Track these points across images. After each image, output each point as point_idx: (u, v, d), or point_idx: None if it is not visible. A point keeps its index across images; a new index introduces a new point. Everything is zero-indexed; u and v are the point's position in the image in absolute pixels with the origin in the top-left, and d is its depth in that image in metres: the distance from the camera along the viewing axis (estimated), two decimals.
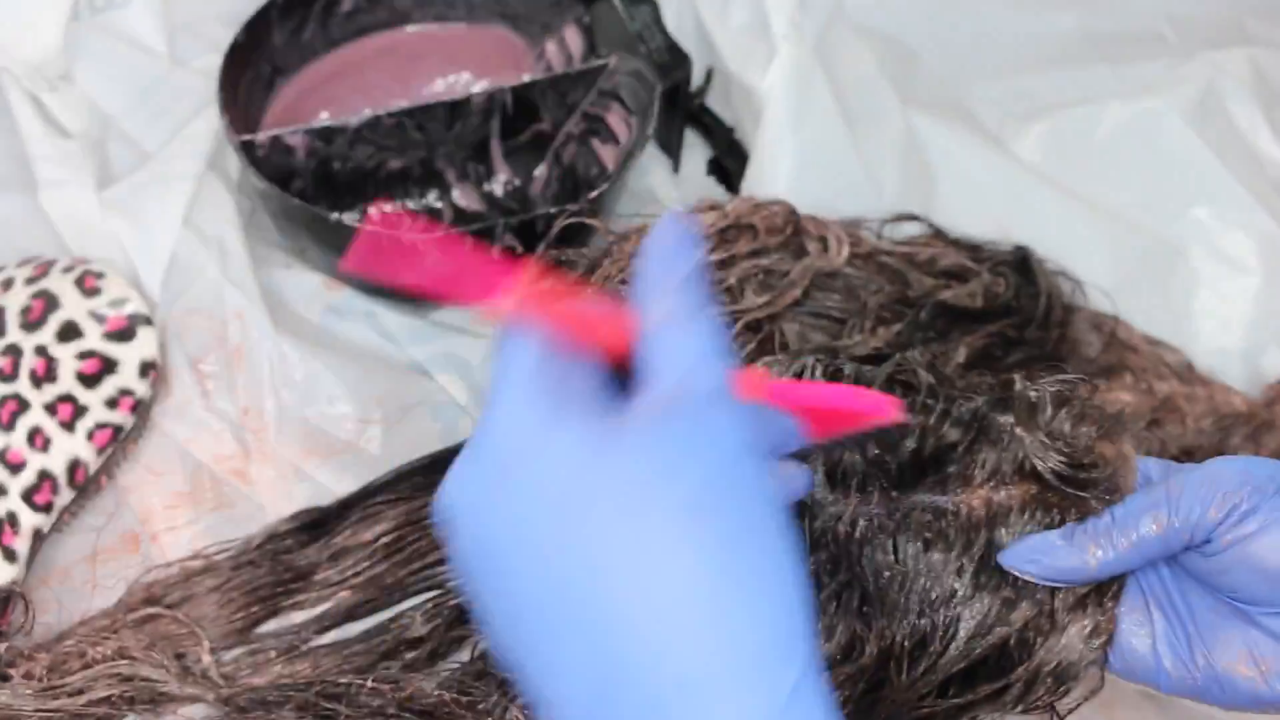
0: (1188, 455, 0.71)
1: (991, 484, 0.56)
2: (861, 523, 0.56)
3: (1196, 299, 0.82)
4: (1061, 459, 0.55)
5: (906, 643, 0.55)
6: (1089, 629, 0.55)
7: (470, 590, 0.44)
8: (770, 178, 0.84)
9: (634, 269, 0.46)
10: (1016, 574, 0.55)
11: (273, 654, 0.68)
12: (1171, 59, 0.92)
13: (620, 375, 0.45)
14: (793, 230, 0.72)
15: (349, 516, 0.72)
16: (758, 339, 0.68)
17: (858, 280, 0.72)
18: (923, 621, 0.55)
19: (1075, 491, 0.55)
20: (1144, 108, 0.87)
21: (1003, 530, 0.55)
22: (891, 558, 0.55)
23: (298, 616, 0.70)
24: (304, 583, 0.71)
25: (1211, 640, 0.54)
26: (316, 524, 0.72)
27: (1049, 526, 0.55)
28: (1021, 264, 0.75)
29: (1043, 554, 0.54)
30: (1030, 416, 0.56)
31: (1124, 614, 0.55)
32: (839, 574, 0.56)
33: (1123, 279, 0.76)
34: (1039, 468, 0.55)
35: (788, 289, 0.70)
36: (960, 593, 0.55)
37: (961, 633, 0.55)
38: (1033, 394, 0.56)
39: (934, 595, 0.55)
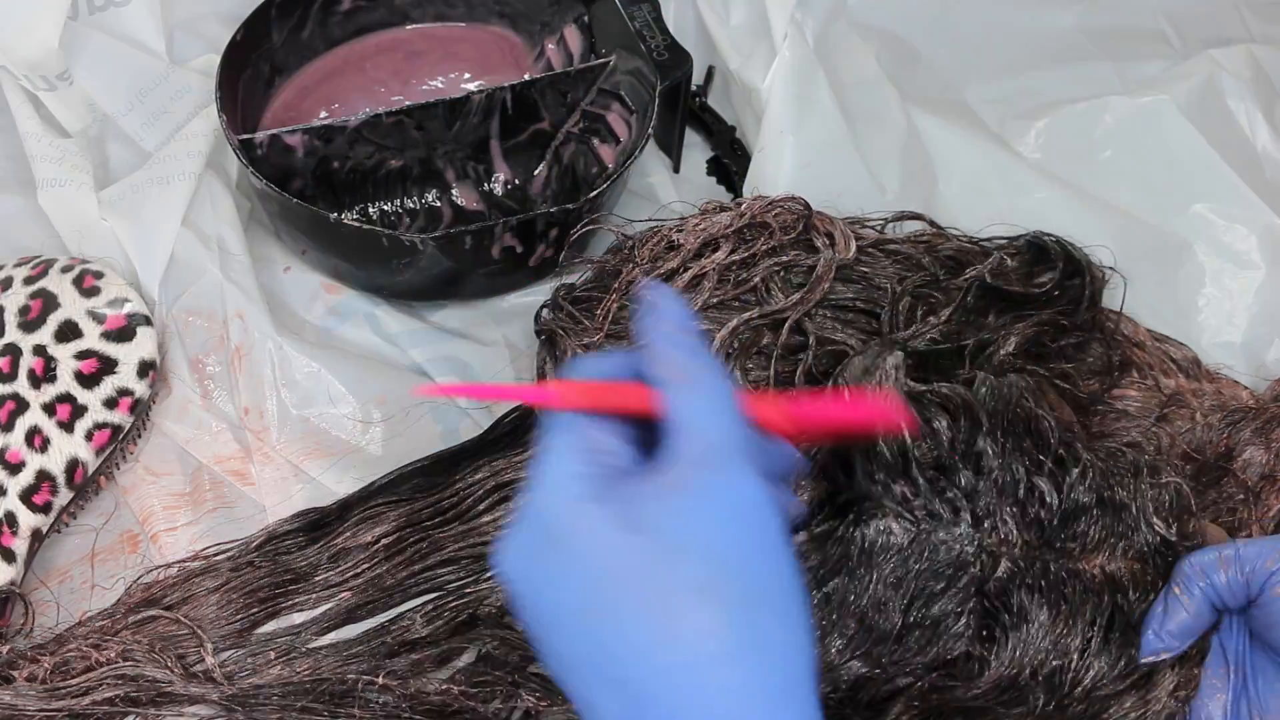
0: (1197, 451, 0.71)
1: (1107, 553, 0.63)
2: (1005, 564, 0.62)
3: (1200, 294, 0.82)
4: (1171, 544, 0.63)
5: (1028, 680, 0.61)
6: (1175, 685, 0.61)
7: (532, 641, 0.48)
8: (772, 176, 0.84)
9: (640, 335, 0.51)
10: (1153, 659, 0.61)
11: (273, 655, 0.68)
12: (1172, 57, 0.92)
13: (649, 432, 0.50)
14: (803, 226, 0.72)
15: (349, 518, 0.72)
16: (780, 337, 0.68)
17: (870, 272, 0.72)
18: (1047, 668, 0.61)
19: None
20: (1145, 103, 0.86)
21: (1120, 598, 0.62)
22: (1027, 603, 0.61)
23: (298, 617, 0.70)
24: (304, 584, 0.70)
25: (1266, 701, 0.60)
26: (316, 525, 0.72)
27: (1151, 598, 0.62)
28: (1038, 249, 0.75)
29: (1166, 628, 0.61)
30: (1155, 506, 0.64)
31: (1205, 672, 0.62)
32: (970, 602, 0.62)
33: (1126, 274, 0.76)
34: (1148, 550, 0.63)
35: (816, 284, 0.70)
36: (1085, 650, 0.61)
37: (1081, 686, 0.61)
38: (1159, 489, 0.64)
39: (1056, 648, 0.61)
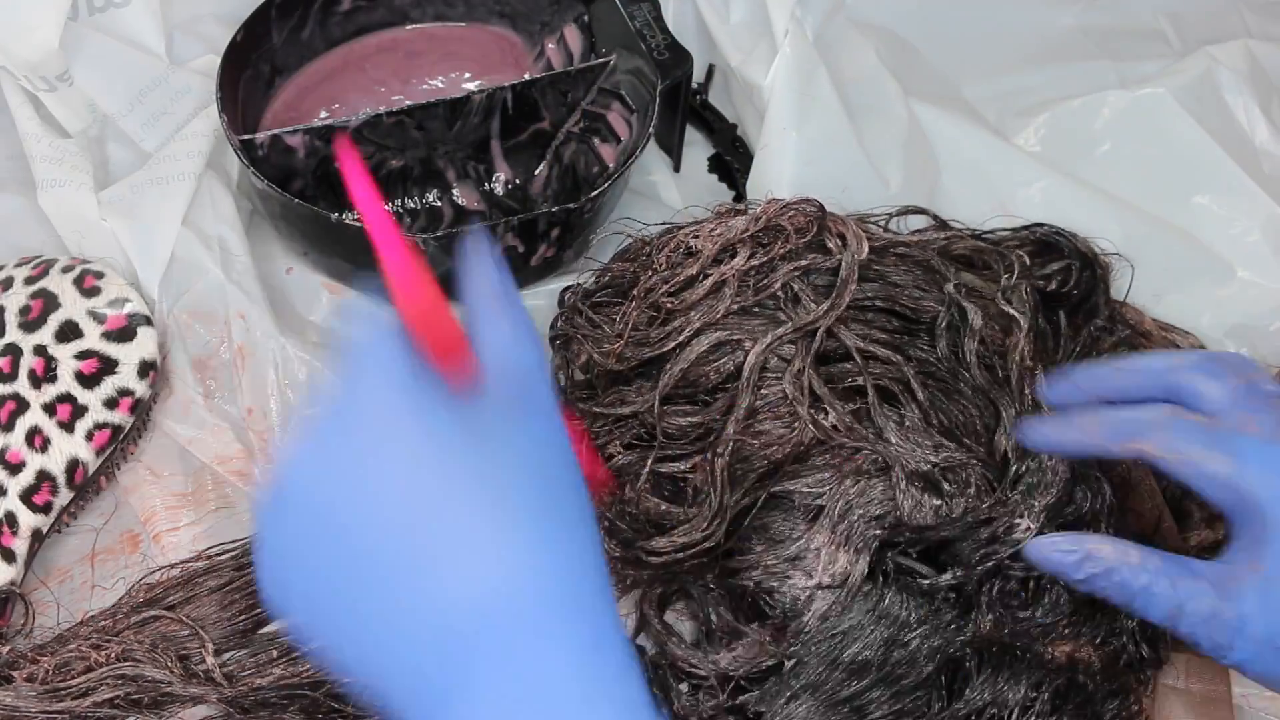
0: None
1: (1081, 642, 0.64)
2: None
3: (1201, 284, 0.82)
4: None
5: None
6: None
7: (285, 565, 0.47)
8: (775, 173, 0.83)
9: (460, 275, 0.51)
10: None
11: (275, 655, 0.68)
12: (1170, 55, 0.92)
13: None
14: (816, 228, 0.71)
15: None
16: (816, 348, 0.68)
17: (883, 269, 0.71)
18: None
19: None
20: (1142, 96, 0.87)
21: (1083, 676, 0.63)
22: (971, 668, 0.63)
23: None
24: None
25: None
26: None
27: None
28: (1045, 243, 0.75)
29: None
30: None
31: None
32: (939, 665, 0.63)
33: (1129, 264, 0.76)
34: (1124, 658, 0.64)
35: (844, 288, 0.69)
36: (1029, 709, 0.63)
37: None
38: None
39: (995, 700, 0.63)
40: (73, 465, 0.71)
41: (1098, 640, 0.63)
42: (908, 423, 0.65)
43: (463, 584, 0.44)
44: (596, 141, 0.86)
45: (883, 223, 0.76)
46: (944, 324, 0.68)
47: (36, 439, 0.71)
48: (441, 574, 0.44)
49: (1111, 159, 0.87)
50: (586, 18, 0.88)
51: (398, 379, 0.47)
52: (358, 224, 0.77)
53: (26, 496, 0.70)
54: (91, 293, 0.76)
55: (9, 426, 0.71)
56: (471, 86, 0.92)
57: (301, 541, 0.46)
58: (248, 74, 0.85)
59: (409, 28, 0.91)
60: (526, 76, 0.89)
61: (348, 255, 0.80)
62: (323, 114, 0.90)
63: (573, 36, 0.89)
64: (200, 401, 0.77)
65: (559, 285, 0.81)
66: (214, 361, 0.79)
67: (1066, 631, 0.63)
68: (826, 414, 0.66)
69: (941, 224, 0.76)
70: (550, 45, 0.90)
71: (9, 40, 0.79)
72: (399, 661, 0.44)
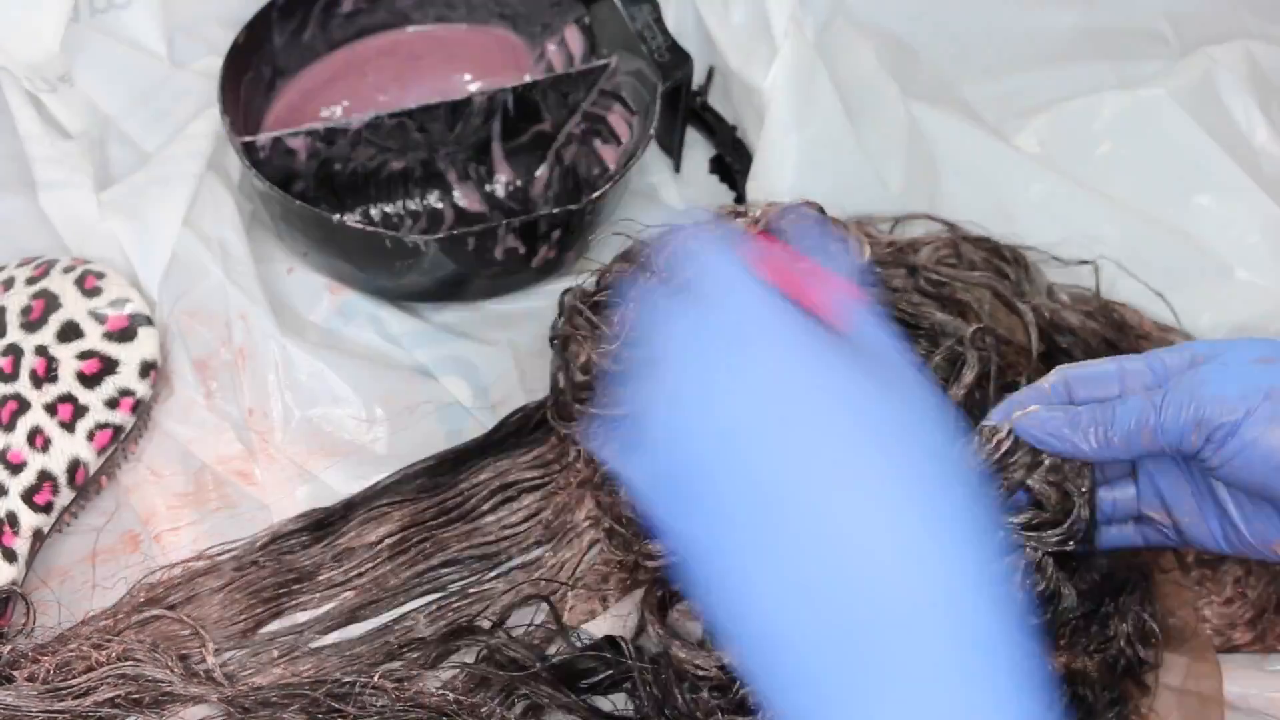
0: None
1: (1076, 652, 0.63)
2: None
3: (1201, 284, 0.82)
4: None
5: None
6: None
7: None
8: (775, 175, 0.84)
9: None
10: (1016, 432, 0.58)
11: (275, 654, 0.68)
12: (1170, 56, 0.92)
13: None
14: None
15: (353, 517, 0.72)
16: None
17: (883, 273, 0.71)
18: None
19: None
20: (1142, 97, 0.87)
21: (1082, 688, 0.63)
22: None
23: (301, 616, 0.69)
24: (308, 583, 0.70)
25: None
26: (321, 524, 0.72)
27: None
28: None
29: (1046, 426, 0.57)
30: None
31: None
32: None
33: (1128, 265, 0.76)
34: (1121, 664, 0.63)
35: None
36: None
37: None
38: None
39: None
40: (74, 465, 0.71)
41: (1092, 649, 0.63)
42: None
43: (874, 556, 0.38)
44: (597, 143, 0.86)
45: (887, 228, 0.76)
46: (941, 357, 0.68)
47: (38, 439, 0.71)
48: (851, 539, 0.38)
49: (1111, 160, 0.87)
50: (587, 19, 0.88)
51: (763, 303, 0.43)
52: (358, 226, 0.78)
53: (28, 496, 0.70)
54: (93, 293, 0.76)
55: (10, 426, 0.71)
56: (473, 88, 0.92)
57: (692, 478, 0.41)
58: (249, 76, 0.85)
59: (410, 30, 0.91)
60: (527, 78, 0.89)
61: (348, 257, 0.80)
62: (324, 116, 0.90)
63: (573, 38, 0.89)
64: (201, 402, 0.77)
65: (560, 286, 0.81)
66: (215, 362, 0.79)
67: (1063, 643, 0.63)
68: None
69: (946, 225, 0.76)
70: (551, 47, 0.90)
71: (11, 41, 0.80)
72: (801, 637, 0.38)
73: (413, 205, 0.88)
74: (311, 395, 0.77)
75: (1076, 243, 0.81)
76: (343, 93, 0.91)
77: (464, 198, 0.88)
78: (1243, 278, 0.82)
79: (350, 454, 0.76)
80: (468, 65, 0.92)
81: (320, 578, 0.70)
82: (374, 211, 0.87)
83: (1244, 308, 0.81)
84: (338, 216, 0.77)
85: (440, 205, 0.88)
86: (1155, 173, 0.85)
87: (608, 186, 0.79)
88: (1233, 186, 0.83)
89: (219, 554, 0.71)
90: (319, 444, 0.76)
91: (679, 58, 0.83)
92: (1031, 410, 0.57)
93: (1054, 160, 0.87)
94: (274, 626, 0.69)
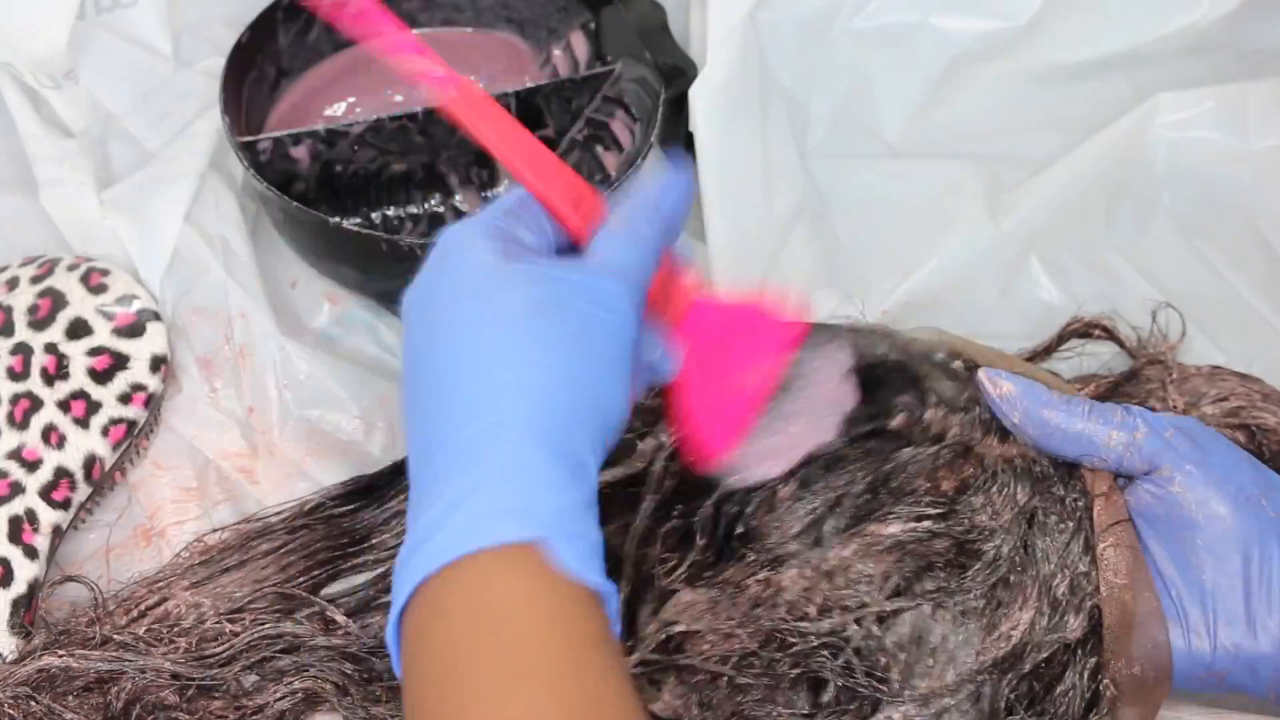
0: None
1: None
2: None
3: None
4: None
5: None
6: None
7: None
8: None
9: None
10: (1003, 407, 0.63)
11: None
12: None
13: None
14: None
15: (399, 482, 0.72)
16: None
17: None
18: None
19: None
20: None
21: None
22: None
23: (359, 579, 0.70)
24: (362, 545, 0.71)
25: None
26: (368, 490, 0.73)
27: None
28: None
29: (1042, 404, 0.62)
30: None
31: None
32: None
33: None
34: None
35: None
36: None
37: None
38: None
39: None
40: (90, 460, 0.71)
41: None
42: None
43: (475, 353, 0.51)
44: (599, 149, 0.87)
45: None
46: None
47: (52, 436, 0.71)
48: (465, 341, 0.52)
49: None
50: (593, 25, 0.89)
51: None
52: (354, 229, 0.78)
53: (45, 493, 0.70)
54: (99, 290, 0.76)
55: (24, 424, 0.71)
56: None
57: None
58: (253, 75, 0.85)
59: (415, 32, 0.91)
60: (531, 83, 0.90)
61: (346, 260, 0.80)
62: (327, 115, 0.90)
63: (579, 43, 0.90)
64: (205, 397, 0.78)
65: None
66: (217, 358, 0.79)
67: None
68: None
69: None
70: (556, 52, 0.91)
71: (17, 37, 0.79)
72: (417, 410, 0.53)
73: (414, 209, 0.88)
74: (310, 396, 0.77)
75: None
76: (347, 94, 0.91)
77: (465, 202, 0.89)
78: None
79: (349, 454, 0.77)
80: (473, 69, 0.92)
81: (374, 540, 0.71)
82: (375, 214, 0.88)
83: None
84: (335, 219, 0.77)
85: (441, 209, 0.89)
86: None
87: (606, 194, 0.79)
88: None
89: (269, 517, 0.71)
90: (318, 444, 0.77)
91: (684, 65, 0.84)
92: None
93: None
94: (333, 589, 0.70)
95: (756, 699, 0.60)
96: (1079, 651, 0.60)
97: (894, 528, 0.62)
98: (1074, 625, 0.60)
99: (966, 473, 0.63)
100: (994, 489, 0.62)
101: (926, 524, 0.61)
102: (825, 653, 0.60)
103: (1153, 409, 0.67)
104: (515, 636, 0.47)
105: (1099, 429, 0.61)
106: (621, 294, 0.54)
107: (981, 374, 0.63)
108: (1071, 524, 0.62)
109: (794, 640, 0.60)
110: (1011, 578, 0.61)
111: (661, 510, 0.65)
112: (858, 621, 0.60)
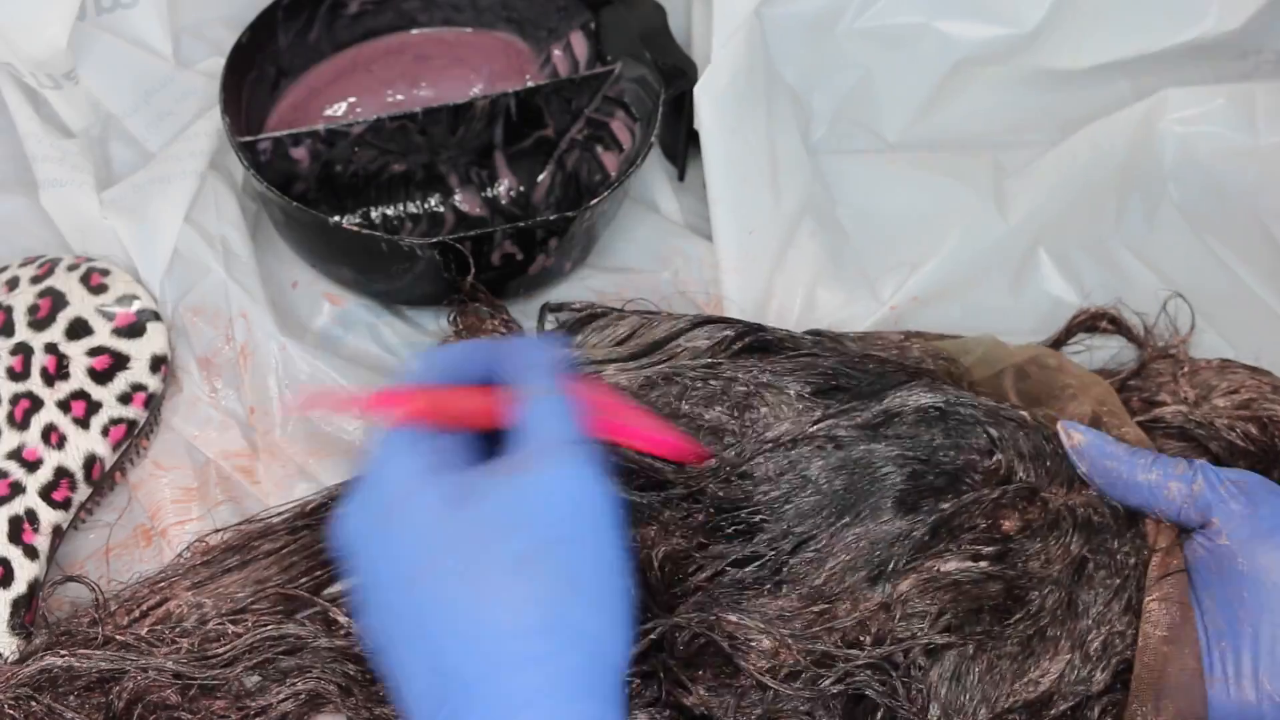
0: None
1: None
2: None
3: None
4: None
5: None
6: None
7: (359, 604, 0.52)
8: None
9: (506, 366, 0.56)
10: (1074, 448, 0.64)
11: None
12: None
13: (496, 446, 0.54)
14: None
15: None
16: None
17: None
18: None
19: None
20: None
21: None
22: None
23: None
24: None
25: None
26: None
27: None
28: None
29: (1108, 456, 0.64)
30: None
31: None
32: None
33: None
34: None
35: None
36: None
37: None
38: None
39: None
40: (90, 460, 0.71)
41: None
42: None
43: (475, 631, 0.48)
44: (599, 149, 0.87)
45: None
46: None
47: (53, 436, 0.71)
48: (460, 617, 0.48)
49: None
50: (593, 25, 0.89)
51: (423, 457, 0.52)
52: (353, 228, 0.77)
53: (46, 493, 0.69)
54: (99, 290, 0.76)
55: (24, 425, 0.71)
56: (476, 92, 0.92)
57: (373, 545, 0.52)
58: (253, 76, 0.85)
59: (416, 32, 0.91)
60: (531, 83, 0.90)
61: (345, 259, 0.80)
62: (328, 115, 0.90)
63: (579, 43, 0.89)
64: (205, 398, 0.78)
65: (558, 295, 0.82)
66: (218, 358, 0.79)
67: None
68: None
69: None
70: (556, 52, 0.91)
71: (17, 37, 0.79)
72: (419, 681, 0.49)
73: (413, 208, 0.88)
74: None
75: None
76: (347, 94, 0.91)
77: (465, 202, 0.89)
78: None
79: (349, 454, 0.76)
80: (473, 69, 0.92)
81: None
82: (374, 214, 0.88)
83: None
84: (335, 219, 0.77)
85: (441, 209, 0.88)
86: None
87: (608, 193, 0.79)
88: None
89: (270, 518, 0.71)
90: (318, 444, 0.76)
91: (684, 65, 0.84)
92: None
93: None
94: (335, 589, 0.69)
95: (794, 708, 0.61)
96: (1104, 697, 0.61)
97: (951, 564, 0.62)
98: (1100, 680, 0.61)
99: (1030, 515, 0.64)
100: (1052, 537, 0.63)
101: (983, 565, 0.62)
102: (870, 673, 0.60)
103: (1164, 402, 0.67)
104: None
105: (1160, 480, 0.63)
106: (586, 465, 0.52)
107: (1060, 425, 0.65)
108: (1118, 580, 0.63)
109: (839, 659, 0.61)
110: (1049, 631, 0.62)
111: (713, 525, 0.65)
112: (904, 652, 0.61)
